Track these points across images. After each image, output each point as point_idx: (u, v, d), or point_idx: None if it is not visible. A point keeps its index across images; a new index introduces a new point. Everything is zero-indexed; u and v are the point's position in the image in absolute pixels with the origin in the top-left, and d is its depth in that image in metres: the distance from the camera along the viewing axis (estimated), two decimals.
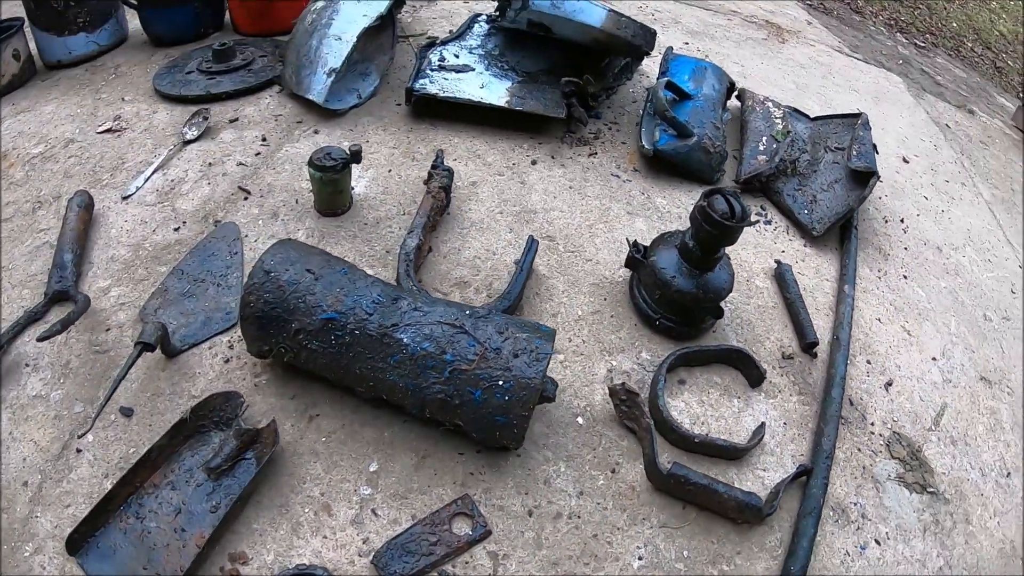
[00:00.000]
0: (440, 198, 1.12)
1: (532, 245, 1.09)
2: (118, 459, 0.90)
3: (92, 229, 1.18)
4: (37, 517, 0.85)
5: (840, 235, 1.32)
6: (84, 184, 1.28)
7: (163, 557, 0.80)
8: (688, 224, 1.02)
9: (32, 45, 1.69)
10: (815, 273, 1.26)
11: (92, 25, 1.64)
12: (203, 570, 0.81)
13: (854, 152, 1.33)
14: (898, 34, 2.83)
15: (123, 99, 1.50)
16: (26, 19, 1.63)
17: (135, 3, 1.65)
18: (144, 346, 0.90)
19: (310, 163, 1.08)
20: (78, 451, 0.90)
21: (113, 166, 1.31)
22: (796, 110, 1.59)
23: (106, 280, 1.10)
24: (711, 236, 0.96)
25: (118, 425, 0.93)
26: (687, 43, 2.03)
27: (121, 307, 1.06)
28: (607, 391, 0.98)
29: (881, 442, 1.03)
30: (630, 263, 1.08)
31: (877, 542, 0.92)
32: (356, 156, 1.07)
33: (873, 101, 1.96)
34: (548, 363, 0.83)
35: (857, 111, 1.48)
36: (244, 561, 0.82)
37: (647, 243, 1.10)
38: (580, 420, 0.98)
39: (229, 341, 1.00)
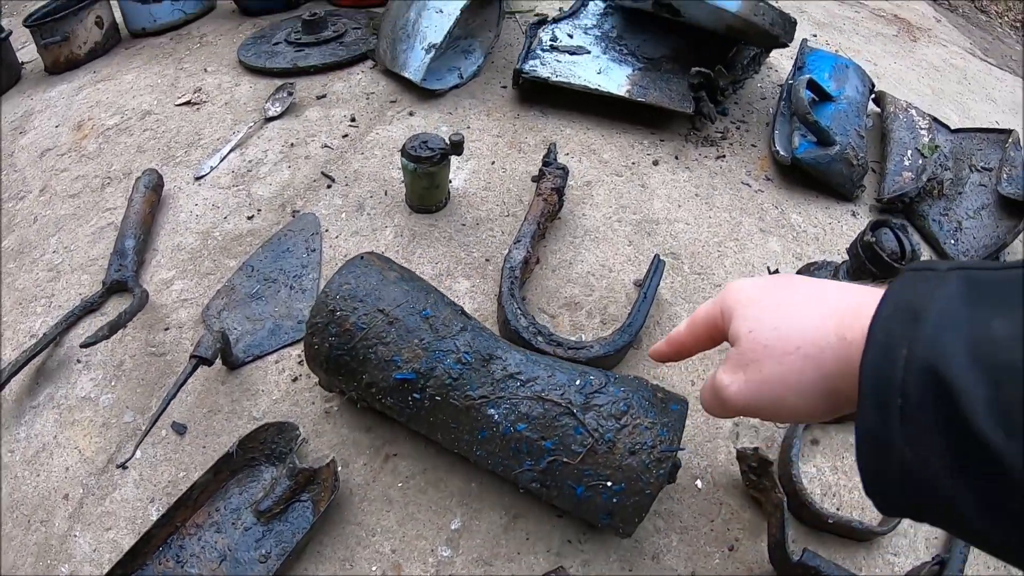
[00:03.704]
0: (552, 202, 0.94)
1: (658, 267, 0.90)
2: (166, 482, 0.77)
3: (160, 211, 1.06)
4: (76, 536, 0.73)
5: None
6: (157, 160, 1.16)
7: None
8: (827, 254, 0.86)
9: (117, 12, 1.61)
10: None
11: None
12: None
13: (1004, 175, 1.11)
14: None
15: (206, 70, 1.39)
16: None
17: None
18: (199, 360, 0.76)
19: (403, 152, 0.91)
20: (123, 467, 0.78)
21: (189, 142, 1.19)
22: (936, 119, 1.35)
23: (169, 271, 0.97)
24: (873, 278, 0.79)
25: (169, 443, 0.80)
26: (815, 35, 1.80)
27: (183, 303, 0.93)
28: (733, 453, 0.80)
29: None
30: None
31: None
32: (457, 147, 0.90)
33: (1012, 114, 1.68)
34: (672, 463, 0.64)
35: (1005, 127, 1.25)
36: None
37: (786, 271, 0.91)
38: (699, 484, 0.79)
39: (299, 355, 0.86)
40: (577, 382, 0.66)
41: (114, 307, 0.95)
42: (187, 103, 1.28)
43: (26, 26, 1.52)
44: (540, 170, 0.99)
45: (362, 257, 0.74)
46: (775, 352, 0.40)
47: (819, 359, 0.38)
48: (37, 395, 0.86)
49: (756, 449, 0.76)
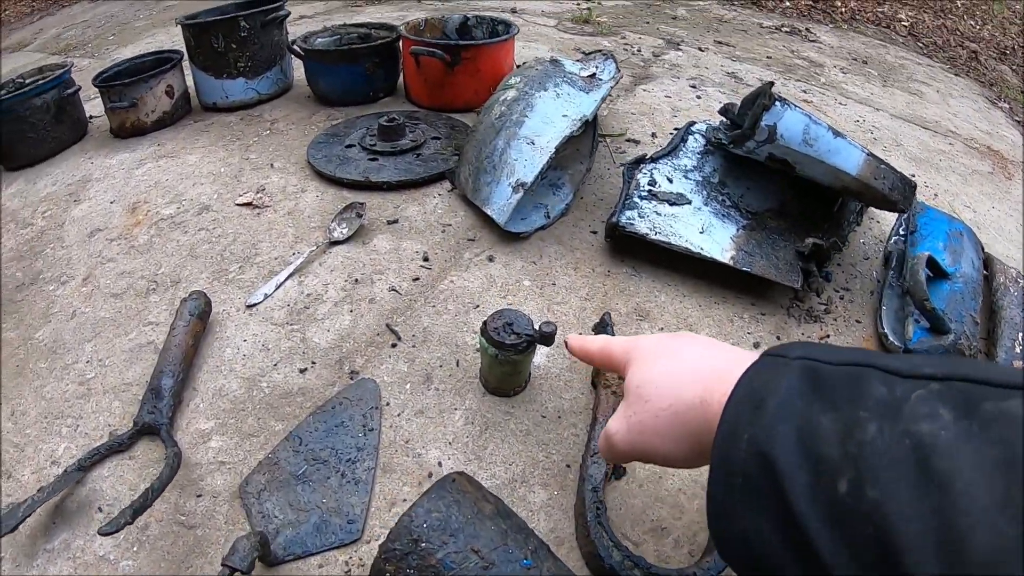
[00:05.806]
0: (622, 392, 0.82)
1: None
2: None
3: (205, 339, 0.96)
4: None
5: None
6: (208, 272, 1.07)
7: None
8: None
9: (191, 82, 1.56)
10: None
11: (253, 71, 1.48)
12: None
13: None
14: None
15: (272, 165, 1.31)
16: (185, 54, 1.50)
17: (302, 54, 1.47)
18: (234, 571, 0.65)
19: (483, 333, 0.80)
20: None
21: (244, 255, 1.10)
22: None
23: (208, 421, 0.87)
24: None
25: None
26: (913, 175, 1.67)
27: (220, 467, 0.82)
28: None
29: None
30: None
31: None
32: (547, 339, 0.79)
33: None
34: None
35: None
36: None
37: None
38: None
39: (346, 562, 0.73)
40: None
41: (143, 451, 0.85)
42: (248, 204, 1.20)
43: (95, 86, 1.47)
44: None
45: (453, 480, 0.64)
46: (652, 407, 0.48)
47: (685, 416, 0.45)
48: (52, 538, 0.76)
49: None
